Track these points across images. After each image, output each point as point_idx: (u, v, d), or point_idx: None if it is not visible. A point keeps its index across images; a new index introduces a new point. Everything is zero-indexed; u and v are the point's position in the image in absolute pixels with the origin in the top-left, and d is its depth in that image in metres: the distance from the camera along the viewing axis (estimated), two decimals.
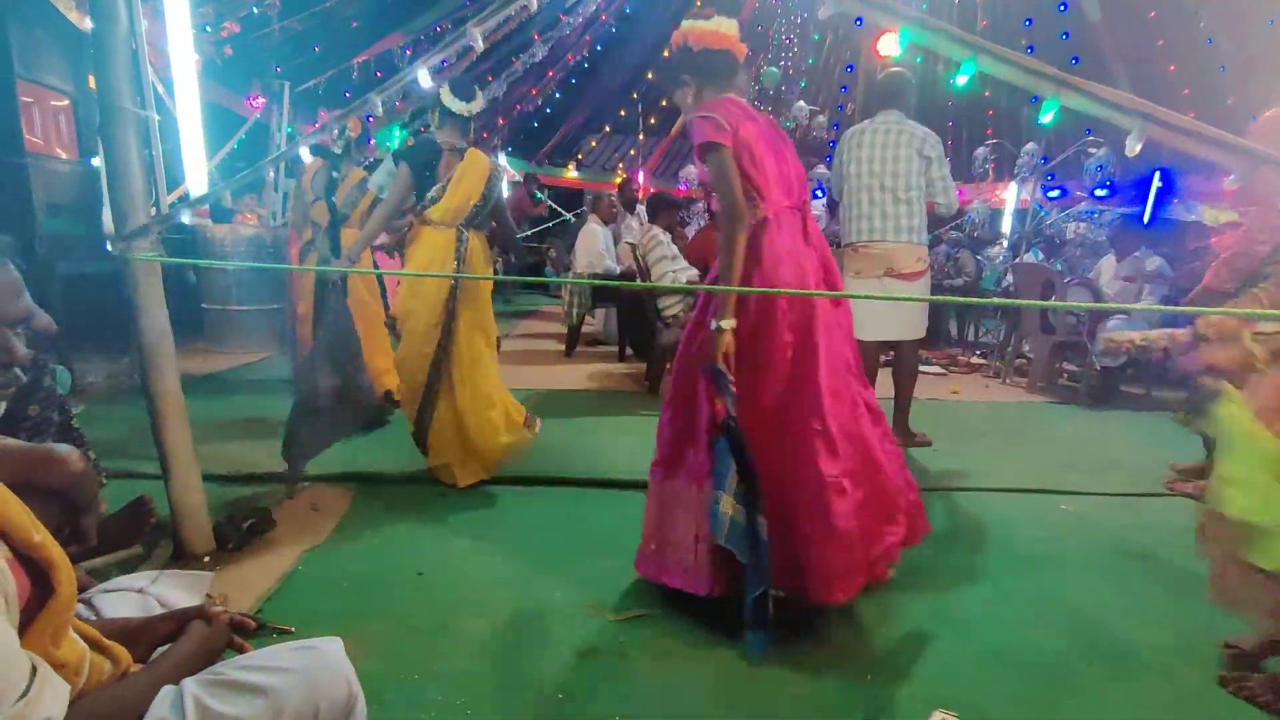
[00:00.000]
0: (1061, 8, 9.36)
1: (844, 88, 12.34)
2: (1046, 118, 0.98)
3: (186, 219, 1.85)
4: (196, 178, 2.30)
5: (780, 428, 1.73)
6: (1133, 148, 0.98)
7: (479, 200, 2.73)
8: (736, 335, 1.71)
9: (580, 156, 14.28)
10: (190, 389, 2.15)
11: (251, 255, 5.39)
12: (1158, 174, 6.42)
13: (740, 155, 1.75)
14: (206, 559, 2.07)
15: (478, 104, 2.75)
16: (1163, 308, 2.58)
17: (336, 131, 3.26)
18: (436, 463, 2.81)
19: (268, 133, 7.04)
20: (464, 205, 2.72)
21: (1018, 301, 3.33)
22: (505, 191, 2.37)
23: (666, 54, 2.00)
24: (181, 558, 2.06)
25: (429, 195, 2.69)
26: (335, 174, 3.47)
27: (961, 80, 1.09)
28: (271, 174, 6.45)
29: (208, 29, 5.97)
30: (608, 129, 14.27)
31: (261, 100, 7.16)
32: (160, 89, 3.28)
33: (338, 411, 2.48)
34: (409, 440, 2.86)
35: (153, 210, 1.93)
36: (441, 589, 2.03)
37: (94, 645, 0.84)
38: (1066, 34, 9.59)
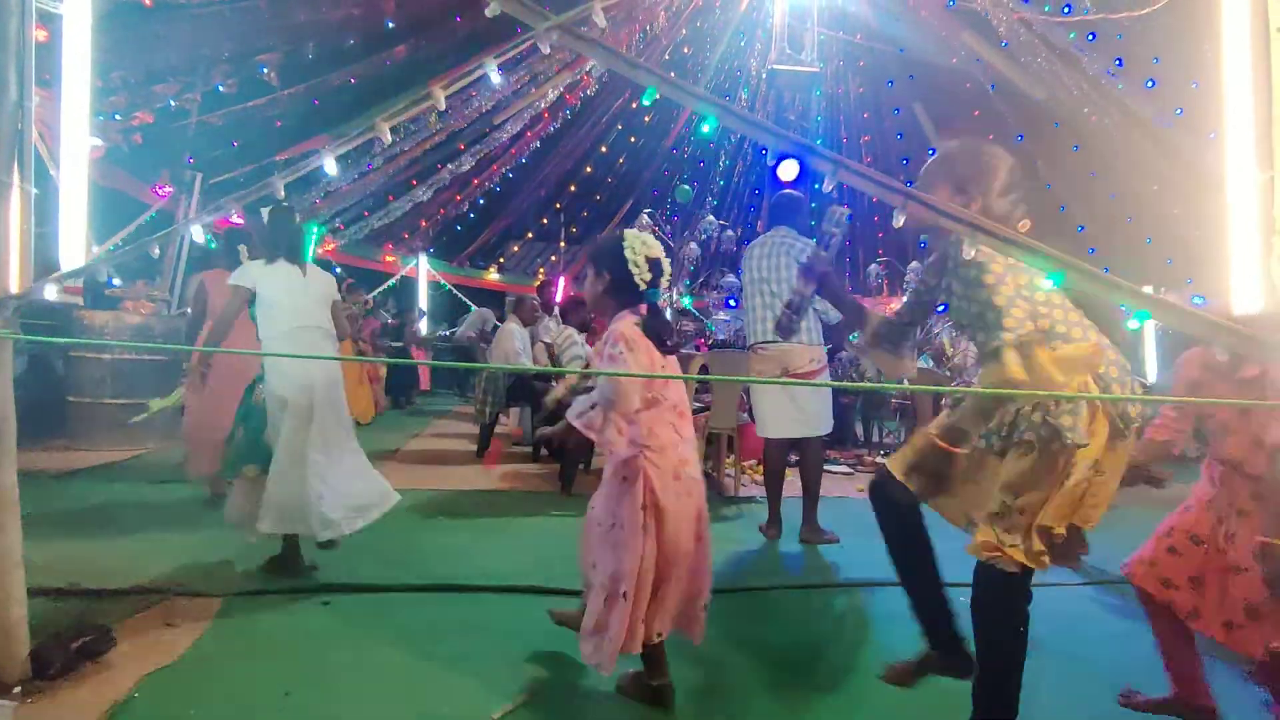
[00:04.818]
0: (930, 151, 10.80)
1: (751, 207, 13.44)
2: (896, 223, 1.12)
3: (52, 295, 1.72)
4: (73, 258, 2.16)
5: None
6: (968, 252, 1.12)
7: None
8: None
9: (502, 260, 14.57)
10: (38, 488, 1.91)
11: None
12: None
13: None
14: (17, 689, 1.74)
15: None
16: (1056, 394, 2.80)
17: None
18: None
19: (172, 222, 6.80)
20: None
21: (918, 387, 3.56)
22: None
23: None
24: None
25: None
26: None
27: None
28: (171, 260, 6.17)
29: (117, 117, 5.86)
30: (530, 235, 14.73)
31: (169, 189, 6.97)
32: (52, 169, 3.14)
33: None
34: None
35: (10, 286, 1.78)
36: (309, 710, 1.80)
37: None
38: None
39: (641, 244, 1.91)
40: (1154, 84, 7.24)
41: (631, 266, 1.89)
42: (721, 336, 7.78)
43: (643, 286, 1.91)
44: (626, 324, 1.86)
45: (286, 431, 2.63)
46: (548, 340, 5.64)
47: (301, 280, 2.76)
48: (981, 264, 1.43)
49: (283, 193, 1.72)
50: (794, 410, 3.37)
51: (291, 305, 2.71)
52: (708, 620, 1.90)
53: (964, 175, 1.58)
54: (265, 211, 2.81)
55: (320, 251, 10.24)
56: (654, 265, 1.91)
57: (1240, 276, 1.69)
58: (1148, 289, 1.72)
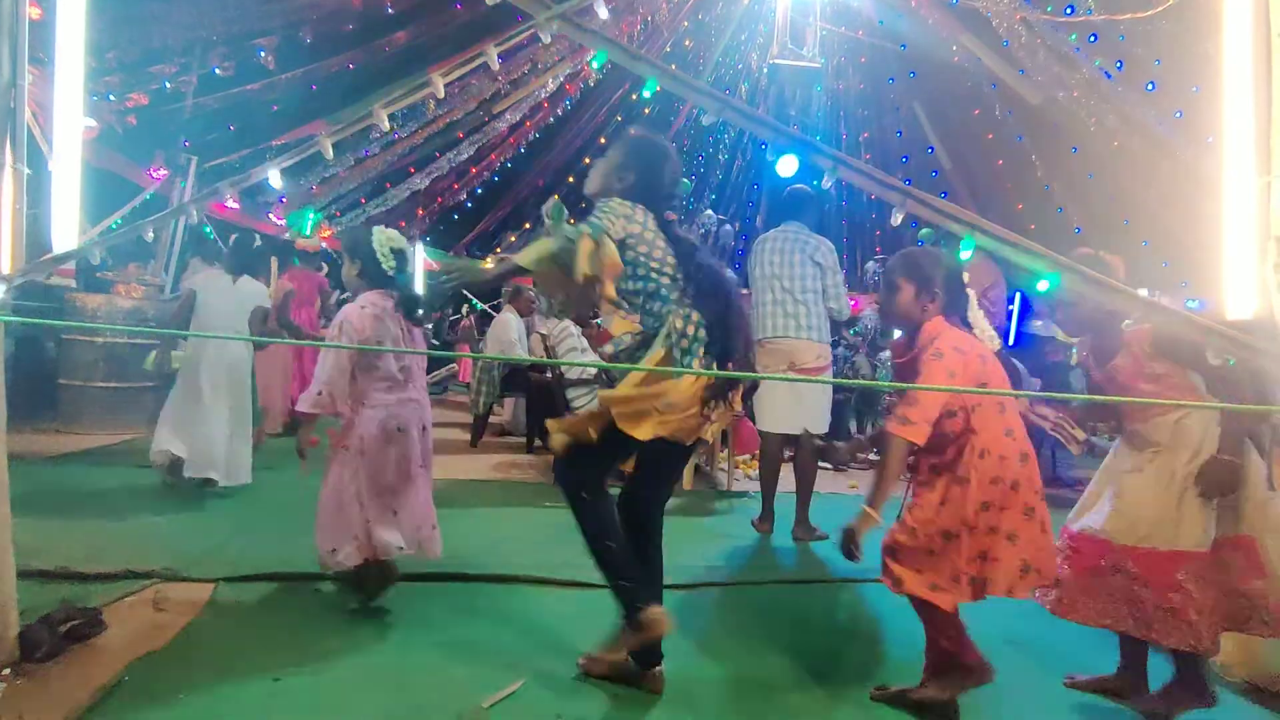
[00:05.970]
0: (929, 150, 10.80)
1: (750, 203, 13.42)
2: (895, 220, 1.12)
3: (43, 277, 1.70)
4: (65, 240, 2.14)
5: None
6: (967, 250, 1.13)
7: None
8: None
9: (499, 250, 14.49)
10: (29, 471, 1.90)
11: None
12: (1018, 295, 7.24)
13: None
14: (5, 671, 1.74)
15: None
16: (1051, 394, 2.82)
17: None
18: None
19: (166, 205, 6.74)
20: None
21: (916, 386, 3.57)
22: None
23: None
24: None
25: None
26: None
27: (827, 183, 1.22)
28: (166, 244, 6.13)
29: (111, 98, 5.79)
30: (528, 225, 14.66)
31: (163, 172, 6.91)
32: (45, 149, 3.11)
33: None
34: (289, 528, 2.63)
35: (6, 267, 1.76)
36: (299, 695, 1.80)
37: None
38: (936, 172, 10.99)
39: (387, 238, 2.31)
40: (1154, 87, 7.24)
41: (380, 256, 2.27)
42: None
43: (391, 273, 2.30)
44: (354, 308, 2.26)
45: (189, 390, 3.45)
46: (543, 331, 5.63)
47: (231, 287, 3.56)
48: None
49: (279, 179, 1.70)
50: (797, 405, 3.39)
51: (218, 307, 3.50)
52: (703, 614, 1.92)
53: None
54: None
55: (317, 238, 10.19)
56: (399, 255, 2.31)
57: (1235, 280, 1.70)
58: (1143, 291, 1.73)
